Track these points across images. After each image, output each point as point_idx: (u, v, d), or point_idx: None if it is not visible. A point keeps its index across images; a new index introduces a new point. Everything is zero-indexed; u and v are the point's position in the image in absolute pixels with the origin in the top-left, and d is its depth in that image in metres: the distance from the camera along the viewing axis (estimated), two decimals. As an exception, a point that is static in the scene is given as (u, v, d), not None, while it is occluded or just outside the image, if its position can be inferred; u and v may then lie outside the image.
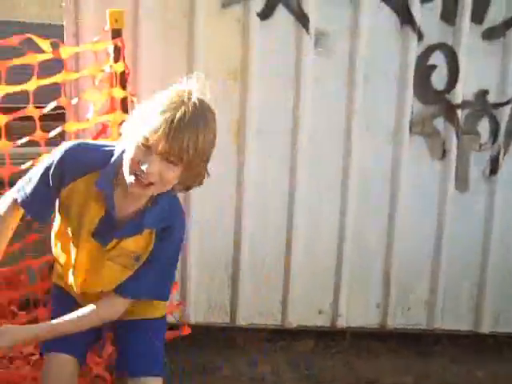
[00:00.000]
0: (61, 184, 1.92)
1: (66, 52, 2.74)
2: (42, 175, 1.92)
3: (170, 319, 3.25)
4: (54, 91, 2.83)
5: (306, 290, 3.61)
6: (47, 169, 1.92)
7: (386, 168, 3.54)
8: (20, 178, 2.02)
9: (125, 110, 2.91)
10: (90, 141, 2.40)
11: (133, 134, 1.78)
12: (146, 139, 1.73)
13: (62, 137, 2.87)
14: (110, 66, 2.85)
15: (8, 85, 2.60)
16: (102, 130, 3.02)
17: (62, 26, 3.21)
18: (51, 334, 1.99)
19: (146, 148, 1.74)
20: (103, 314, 2.02)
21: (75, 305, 2.09)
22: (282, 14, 3.30)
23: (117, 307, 2.02)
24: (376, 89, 3.45)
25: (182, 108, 1.72)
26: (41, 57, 2.64)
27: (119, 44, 2.85)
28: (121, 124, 2.84)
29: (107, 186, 1.89)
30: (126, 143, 1.81)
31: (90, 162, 1.90)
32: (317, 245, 3.58)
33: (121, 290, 2.00)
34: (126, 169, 1.79)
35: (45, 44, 2.66)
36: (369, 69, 3.41)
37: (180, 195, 3.24)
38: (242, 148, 3.38)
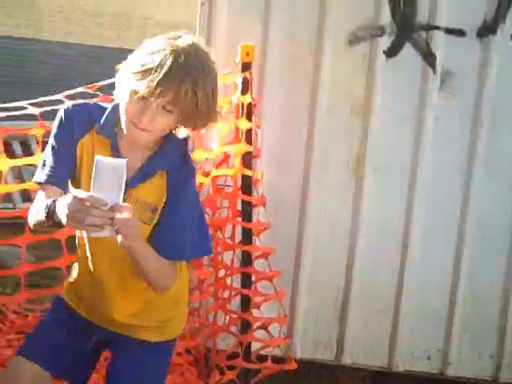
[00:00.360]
0: (73, 142, 1.83)
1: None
2: (53, 147, 1.83)
3: (276, 352, 3.25)
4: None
5: (415, 333, 3.51)
6: (55, 136, 1.83)
7: (506, 214, 3.43)
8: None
9: (249, 141, 2.96)
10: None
11: (125, 85, 1.69)
12: (139, 86, 1.64)
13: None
14: (238, 98, 2.91)
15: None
16: (224, 160, 3.08)
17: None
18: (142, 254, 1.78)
19: (139, 98, 1.66)
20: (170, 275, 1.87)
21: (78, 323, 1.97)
22: (408, 52, 3.27)
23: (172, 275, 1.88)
24: (502, 132, 3.35)
25: (178, 51, 1.64)
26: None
27: (248, 77, 2.91)
28: (244, 155, 2.96)
29: (109, 131, 1.81)
30: (118, 95, 1.74)
31: (92, 115, 1.83)
32: (429, 288, 3.48)
33: (168, 255, 1.83)
34: (122, 120, 1.72)
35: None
36: (495, 110, 3.33)
37: (290, 225, 3.32)
38: (360, 184, 3.35)
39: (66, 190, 1.81)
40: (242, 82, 2.91)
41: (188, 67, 1.64)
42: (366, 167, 3.33)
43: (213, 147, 2.98)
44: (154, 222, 1.84)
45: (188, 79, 1.63)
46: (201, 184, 2.94)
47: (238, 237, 3.06)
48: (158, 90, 1.62)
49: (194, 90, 1.65)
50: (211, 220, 2.98)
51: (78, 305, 1.99)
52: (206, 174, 2.96)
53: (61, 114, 1.83)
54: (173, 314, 2.01)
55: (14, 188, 3.86)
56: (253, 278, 3.07)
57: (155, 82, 1.61)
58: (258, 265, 3.08)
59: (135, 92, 1.66)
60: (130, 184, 1.77)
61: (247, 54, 2.91)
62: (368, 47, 3.28)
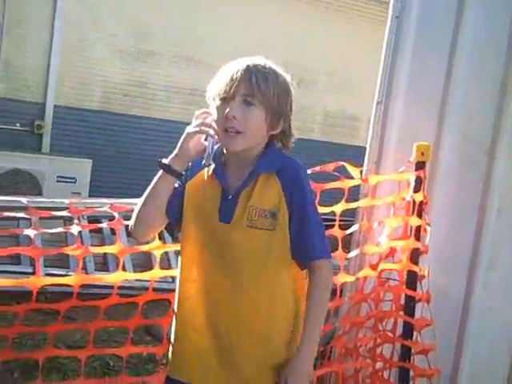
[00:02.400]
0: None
1: (373, 180, 2.94)
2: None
3: None
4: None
5: None
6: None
7: None
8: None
9: (418, 237, 3.00)
10: None
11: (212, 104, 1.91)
12: (219, 91, 1.86)
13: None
14: (411, 196, 2.97)
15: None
16: (390, 254, 3.13)
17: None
18: (316, 333, 1.89)
19: (223, 101, 1.86)
20: (324, 283, 1.91)
21: None
22: None
23: (325, 273, 1.92)
24: None
25: (246, 60, 1.90)
26: (352, 183, 2.87)
27: (422, 175, 2.98)
28: (412, 251, 2.99)
29: (214, 161, 1.93)
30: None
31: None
32: None
33: (310, 256, 1.90)
34: (219, 132, 1.87)
35: (356, 172, 2.89)
36: None
37: (452, 324, 3.25)
38: None
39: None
40: (415, 180, 2.98)
41: (257, 67, 1.89)
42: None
43: (381, 241, 3.05)
44: (278, 227, 1.89)
45: (257, 73, 1.87)
46: (366, 276, 3.01)
47: (399, 331, 3.07)
48: (233, 86, 1.85)
49: (265, 78, 1.87)
50: (374, 312, 3.02)
51: (194, 373, 1.97)
52: (373, 267, 3.02)
53: None
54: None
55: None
56: (411, 374, 3.05)
57: (230, 80, 1.86)
58: (417, 361, 3.06)
59: (218, 97, 1.88)
60: (238, 190, 1.90)
61: (422, 154, 2.98)
62: (544, 150, 3.25)
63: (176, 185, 1.99)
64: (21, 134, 8.40)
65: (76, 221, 2.89)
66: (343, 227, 2.93)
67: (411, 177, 3.01)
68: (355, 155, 3.49)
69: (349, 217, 3.19)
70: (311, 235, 1.92)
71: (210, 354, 1.93)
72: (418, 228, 3.00)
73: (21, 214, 2.87)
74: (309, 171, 2.83)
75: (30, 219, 3.08)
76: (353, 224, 3.14)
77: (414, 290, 3.01)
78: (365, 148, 3.41)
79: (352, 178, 2.92)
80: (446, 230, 3.26)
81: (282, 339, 1.94)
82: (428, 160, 3.01)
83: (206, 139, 1.93)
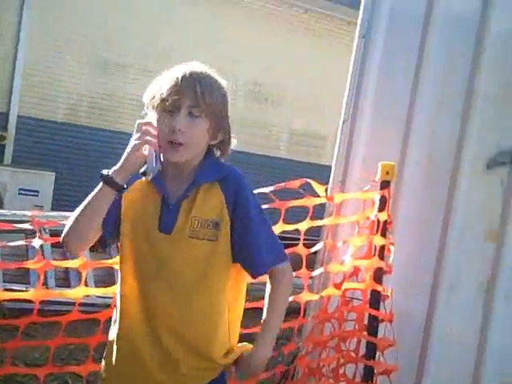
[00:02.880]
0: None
1: (338, 198, 2.95)
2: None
3: None
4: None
5: None
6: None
7: None
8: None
9: (382, 257, 3.01)
10: None
11: (152, 115, 1.87)
12: (163, 101, 1.82)
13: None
14: (375, 215, 2.99)
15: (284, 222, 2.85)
16: (354, 273, 3.13)
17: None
18: (274, 331, 1.98)
19: (167, 112, 1.83)
20: (282, 288, 1.97)
21: None
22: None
23: (281, 278, 1.96)
24: None
25: (185, 68, 1.87)
26: (317, 201, 2.87)
27: (386, 195, 3.00)
28: (375, 270, 3.00)
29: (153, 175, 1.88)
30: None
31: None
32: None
33: (261, 264, 1.93)
34: (161, 143, 1.83)
35: (321, 189, 2.89)
36: None
37: (414, 345, 3.26)
38: (488, 310, 3.29)
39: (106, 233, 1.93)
40: (380, 200, 2.99)
41: (200, 76, 1.87)
42: (495, 294, 3.27)
43: (345, 260, 3.05)
44: (221, 237, 1.88)
45: (201, 83, 1.85)
46: (330, 295, 3.01)
47: (362, 351, 3.07)
48: (178, 97, 1.82)
49: (210, 89, 1.86)
50: (337, 331, 3.02)
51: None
52: (337, 286, 3.02)
53: None
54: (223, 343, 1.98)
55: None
56: (373, 394, 3.05)
57: (174, 91, 1.82)
58: (379, 381, 3.06)
59: (160, 107, 1.85)
60: (179, 201, 1.88)
61: (387, 173, 3.00)
62: (506, 172, 3.29)
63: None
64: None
65: (38, 234, 2.83)
66: (307, 245, 2.93)
67: (376, 196, 3.02)
68: (320, 174, 3.50)
69: (313, 235, 3.18)
70: (258, 245, 1.92)
71: (150, 365, 1.92)
72: (382, 247, 3.01)
73: (-20, 228, 2.81)
74: (273, 188, 2.85)
75: (-11, 233, 3.02)
76: (317, 242, 3.14)
77: (378, 309, 3.02)
78: (330, 167, 3.43)
79: (317, 195, 2.92)
80: (409, 250, 3.27)
81: (220, 352, 1.96)
82: (393, 179, 3.03)
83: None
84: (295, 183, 2.86)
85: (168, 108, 1.84)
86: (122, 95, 8.90)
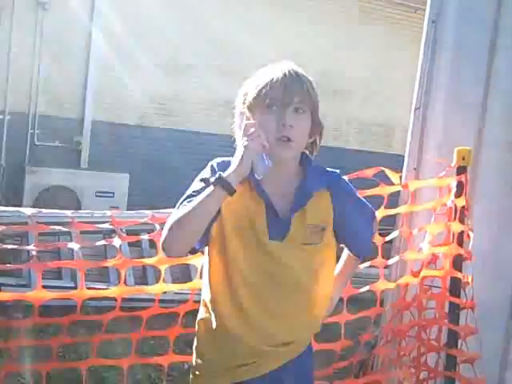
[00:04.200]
0: None
1: (413, 186, 2.91)
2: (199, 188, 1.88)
3: None
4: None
5: None
6: (202, 180, 1.91)
7: None
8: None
9: (460, 243, 2.94)
10: None
11: (252, 112, 1.88)
12: (270, 99, 1.84)
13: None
14: (452, 201, 2.92)
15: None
16: (432, 260, 3.07)
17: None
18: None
19: (272, 108, 1.85)
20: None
21: None
22: None
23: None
24: None
25: (285, 66, 1.89)
26: (391, 189, 2.84)
27: (463, 180, 2.93)
28: (454, 257, 2.94)
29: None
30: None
31: None
32: None
33: (361, 253, 2.16)
34: (270, 140, 1.83)
35: (395, 177, 2.86)
36: None
37: (497, 332, 3.18)
38: None
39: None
40: (457, 186, 2.92)
41: (300, 74, 1.91)
42: None
43: (423, 248, 3.00)
44: (326, 239, 1.96)
45: (305, 79, 1.89)
46: (408, 283, 2.97)
47: (443, 339, 3.01)
48: (286, 94, 1.84)
49: (312, 86, 1.91)
50: (417, 320, 2.98)
51: (230, 372, 1.98)
52: (415, 274, 2.97)
53: (211, 165, 1.96)
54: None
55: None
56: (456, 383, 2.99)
57: (283, 87, 1.84)
58: (462, 370, 3.00)
59: (264, 105, 1.85)
60: (295, 209, 1.91)
61: (463, 158, 2.92)
62: None
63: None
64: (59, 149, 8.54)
65: (118, 233, 2.91)
66: (382, 235, 2.89)
67: (452, 182, 2.95)
68: (390, 163, 3.44)
69: (387, 225, 3.14)
70: (367, 233, 2.16)
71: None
72: (461, 234, 2.94)
73: (62, 228, 2.91)
74: (346, 178, 2.83)
75: (70, 233, 3.11)
76: (391, 232, 3.10)
77: (458, 297, 2.96)
78: (399, 156, 3.38)
79: (390, 184, 2.88)
80: (489, 236, 3.20)
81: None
82: (469, 164, 2.96)
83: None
84: (369, 172, 2.83)
85: (275, 105, 1.86)
86: (192, 95, 9.03)
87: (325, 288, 2.04)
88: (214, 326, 1.97)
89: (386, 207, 2.87)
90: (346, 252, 2.20)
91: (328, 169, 2.04)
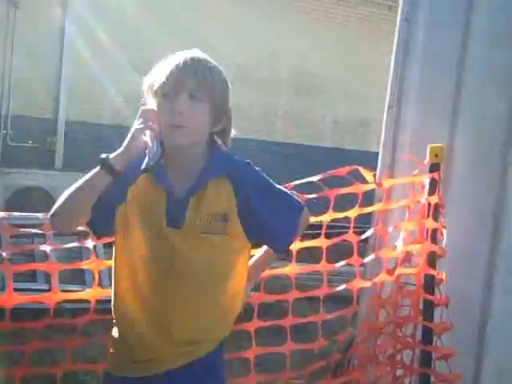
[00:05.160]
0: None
1: (387, 183, 2.92)
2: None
3: None
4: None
5: None
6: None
7: None
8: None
9: (434, 240, 2.97)
10: None
11: (152, 101, 1.87)
12: (165, 85, 1.82)
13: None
14: (426, 198, 2.94)
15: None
16: (406, 258, 3.10)
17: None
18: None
19: (168, 96, 1.83)
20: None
21: None
22: None
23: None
24: None
25: (186, 53, 1.87)
26: (366, 187, 2.85)
27: (436, 177, 2.95)
28: (428, 254, 2.96)
29: (155, 164, 1.85)
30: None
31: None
32: None
33: (281, 246, 2.03)
34: (163, 127, 1.83)
35: (369, 176, 2.87)
36: None
37: (472, 327, 3.20)
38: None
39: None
40: (430, 183, 2.95)
41: (201, 61, 1.88)
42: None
43: (397, 245, 3.02)
44: (230, 229, 1.89)
45: (202, 67, 1.86)
46: (383, 281, 2.98)
47: (419, 336, 3.03)
48: (178, 81, 1.82)
49: (210, 73, 1.86)
50: (392, 318, 2.99)
51: (128, 366, 1.96)
52: (390, 272, 2.99)
53: None
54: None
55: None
56: (432, 380, 3.01)
57: (175, 74, 1.83)
58: (438, 367, 3.02)
59: (161, 92, 1.85)
60: (190, 193, 1.87)
61: (436, 156, 2.95)
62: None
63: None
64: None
65: (90, 235, 2.88)
66: (358, 233, 2.91)
67: (426, 179, 2.98)
68: (366, 161, 3.45)
69: (362, 223, 3.15)
70: (280, 224, 1.98)
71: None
72: (434, 231, 2.97)
73: (33, 231, 2.88)
74: (321, 176, 2.84)
75: (44, 235, 3.08)
76: (367, 230, 3.11)
77: (432, 294, 2.98)
78: (375, 153, 3.39)
79: (365, 182, 2.90)
80: (462, 233, 3.20)
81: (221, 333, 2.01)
82: (442, 161, 2.99)
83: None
84: (343, 171, 2.84)
85: (169, 92, 1.84)
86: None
87: (234, 283, 1.96)
88: (119, 313, 1.97)
89: (360, 206, 2.88)
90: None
91: (236, 157, 1.97)
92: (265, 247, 2.10)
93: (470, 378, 3.25)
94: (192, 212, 1.87)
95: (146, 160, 1.84)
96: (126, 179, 1.90)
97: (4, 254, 2.71)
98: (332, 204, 2.83)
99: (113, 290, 1.98)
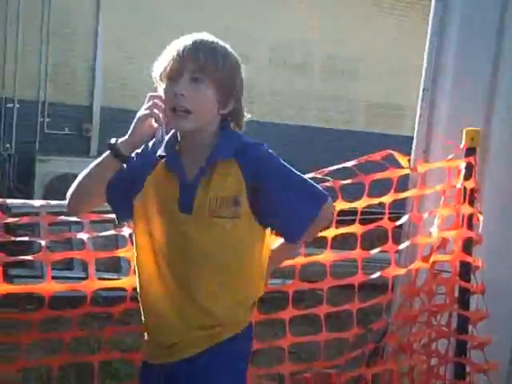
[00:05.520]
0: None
1: (422, 168, 2.88)
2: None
3: None
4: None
5: None
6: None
7: None
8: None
9: (470, 226, 2.91)
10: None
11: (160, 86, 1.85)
12: (166, 70, 1.80)
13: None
14: (461, 183, 2.89)
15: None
16: (442, 245, 3.05)
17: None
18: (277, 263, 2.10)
19: (171, 80, 1.80)
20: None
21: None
22: None
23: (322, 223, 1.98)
24: None
25: (190, 36, 1.83)
26: (400, 172, 2.81)
27: (473, 162, 2.89)
28: (464, 241, 2.91)
29: (167, 151, 1.88)
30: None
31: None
32: None
33: (289, 235, 1.94)
34: (167, 112, 1.81)
35: (404, 160, 2.83)
36: None
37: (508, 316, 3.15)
38: None
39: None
40: (466, 168, 2.89)
41: (204, 43, 1.83)
42: None
43: (432, 232, 2.97)
44: (242, 214, 1.83)
45: (205, 49, 1.81)
46: (418, 269, 2.94)
47: (454, 324, 2.99)
48: (180, 64, 1.79)
49: (214, 54, 1.81)
50: (427, 306, 2.96)
51: (156, 353, 1.98)
52: (425, 259, 2.94)
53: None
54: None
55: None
56: (467, 369, 2.97)
57: (176, 57, 1.80)
58: (473, 355, 2.98)
59: (165, 77, 1.82)
60: (199, 178, 1.84)
61: (472, 139, 2.89)
62: None
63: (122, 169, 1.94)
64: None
65: (126, 223, 2.90)
66: (392, 219, 2.87)
67: (461, 164, 2.92)
68: (399, 145, 3.40)
69: (397, 209, 3.11)
70: (295, 211, 1.88)
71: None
72: (470, 217, 2.91)
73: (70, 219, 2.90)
74: (355, 162, 2.80)
75: (81, 223, 3.10)
76: (402, 216, 3.07)
77: (468, 281, 2.93)
78: (409, 138, 3.34)
79: (400, 167, 2.85)
80: (498, 219, 3.15)
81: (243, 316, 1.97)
82: (477, 145, 2.92)
83: (156, 122, 1.86)
84: (377, 156, 2.80)
85: (172, 75, 1.82)
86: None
87: (249, 268, 1.92)
88: (143, 300, 1.99)
89: (395, 191, 2.84)
90: None
91: (248, 140, 1.90)
92: (278, 242, 2.05)
93: (506, 367, 3.21)
94: (201, 196, 1.85)
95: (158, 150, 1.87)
96: (143, 167, 1.92)
97: (43, 243, 2.73)
98: (366, 190, 2.80)
99: (137, 278, 2.00)
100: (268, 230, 1.95)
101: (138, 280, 2.00)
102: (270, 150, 1.89)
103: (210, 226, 1.85)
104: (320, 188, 1.94)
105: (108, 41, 8.56)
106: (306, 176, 2.02)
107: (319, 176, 2.71)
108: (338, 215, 2.68)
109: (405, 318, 2.96)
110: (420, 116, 3.34)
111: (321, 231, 2.12)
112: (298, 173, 1.91)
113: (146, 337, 2.05)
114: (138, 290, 2.01)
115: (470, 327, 2.94)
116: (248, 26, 8.80)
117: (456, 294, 2.97)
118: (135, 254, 1.98)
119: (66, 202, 2.01)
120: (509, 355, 3.19)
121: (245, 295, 1.96)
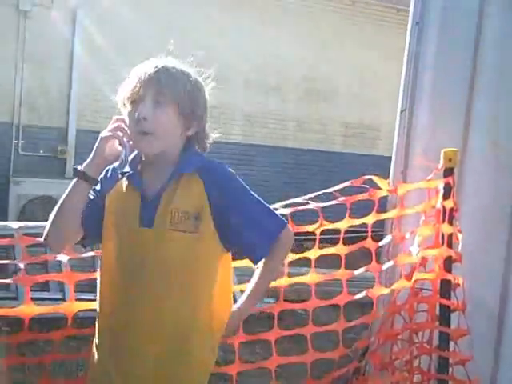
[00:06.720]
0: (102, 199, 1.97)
1: (402, 189, 2.91)
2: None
3: None
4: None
5: None
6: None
7: None
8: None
9: (450, 245, 2.95)
10: None
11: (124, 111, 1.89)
12: (129, 93, 1.84)
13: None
14: (441, 203, 2.92)
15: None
16: (421, 263, 3.07)
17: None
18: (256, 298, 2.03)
19: (133, 104, 1.84)
20: (282, 254, 2.02)
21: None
22: None
23: (283, 247, 1.99)
24: None
25: (153, 61, 1.88)
26: (381, 193, 2.84)
27: (451, 182, 2.93)
28: (445, 259, 2.93)
29: (130, 168, 1.92)
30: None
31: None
32: None
33: (256, 256, 1.94)
34: (131, 135, 1.86)
35: (384, 184, 2.87)
36: None
37: (488, 332, 3.17)
38: None
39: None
40: (445, 187, 2.93)
41: (165, 67, 1.87)
42: None
43: (413, 251, 3.00)
44: (202, 229, 1.85)
45: (166, 73, 1.85)
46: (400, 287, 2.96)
47: (436, 342, 3.01)
48: (142, 88, 1.83)
49: (175, 78, 1.85)
50: (409, 324, 2.97)
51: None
52: (407, 278, 2.96)
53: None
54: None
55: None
56: (449, 386, 2.98)
57: (139, 82, 1.84)
58: (455, 372, 2.99)
59: (128, 101, 1.86)
60: (161, 191, 1.87)
61: (450, 160, 2.93)
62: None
63: (91, 196, 1.97)
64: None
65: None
66: (375, 238, 2.90)
67: (440, 184, 2.96)
68: (375, 165, 3.43)
69: (376, 227, 3.13)
70: (255, 231, 1.92)
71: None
72: (450, 236, 2.95)
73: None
74: (337, 187, 2.83)
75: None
76: (380, 235, 3.10)
77: (449, 299, 2.96)
78: (384, 157, 3.38)
79: (378, 187, 2.88)
80: (477, 237, 3.19)
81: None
82: (455, 166, 2.96)
83: (120, 145, 1.91)
84: (359, 181, 2.84)
85: (135, 99, 1.85)
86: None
87: (208, 289, 1.91)
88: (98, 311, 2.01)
89: (377, 212, 2.87)
90: None
91: (211, 159, 1.95)
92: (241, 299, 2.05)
93: (488, 383, 3.23)
94: (162, 209, 1.86)
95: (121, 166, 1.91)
96: (104, 189, 1.97)
97: (22, 266, 2.70)
98: (349, 211, 2.83)
99: (98, 295, 2.00)
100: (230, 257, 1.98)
101: (98, 298, 1.99)
102: (231, 170, 1.94)
103: (170, 239, 1.86)
104: (276, 213, 1.99)
105: (83, 64, 8.53)
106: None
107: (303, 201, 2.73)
108: (321, 234, 2.70)
109: (386, 336, 2.97)
110: (398, 137, 3.38)
111: (285, 255, 2.11)
112: (256, 195, 1.95)
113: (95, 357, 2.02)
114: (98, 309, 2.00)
115: (452, 344, 2.96)
116: (222, 48, 8.84)
117: (437, 312, 2.99)
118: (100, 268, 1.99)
119: (42, 224, 2.00)
120: (490, 371, 3.21)
121: (203, 318, 1.92)
